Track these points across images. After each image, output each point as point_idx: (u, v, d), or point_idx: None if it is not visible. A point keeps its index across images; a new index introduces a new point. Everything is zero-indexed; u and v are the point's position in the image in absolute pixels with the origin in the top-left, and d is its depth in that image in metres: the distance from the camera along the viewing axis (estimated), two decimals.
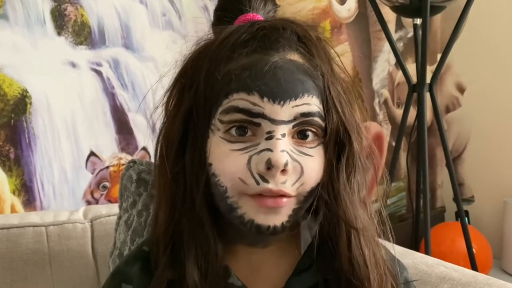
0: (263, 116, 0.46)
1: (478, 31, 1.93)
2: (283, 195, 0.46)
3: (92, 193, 1.32)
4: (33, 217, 0.93)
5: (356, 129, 0.51)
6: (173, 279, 0.49)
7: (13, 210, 1.20)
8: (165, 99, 0.52)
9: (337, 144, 0.50)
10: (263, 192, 0.46)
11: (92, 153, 1.31)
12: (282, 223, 0.47)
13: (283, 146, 0.46)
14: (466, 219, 2.00)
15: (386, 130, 1.98)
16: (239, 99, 0.47)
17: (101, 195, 1.33)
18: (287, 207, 0.47)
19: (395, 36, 1.95)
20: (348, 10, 1.82)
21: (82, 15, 1.28)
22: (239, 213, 0.47)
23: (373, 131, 1.92)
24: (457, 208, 1.51)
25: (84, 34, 1.29)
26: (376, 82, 1.93)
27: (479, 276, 0.82)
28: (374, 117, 1.95)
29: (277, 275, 0.53)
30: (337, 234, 0.50)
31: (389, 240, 0.55)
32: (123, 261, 0.55)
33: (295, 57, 0.49)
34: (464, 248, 1.51)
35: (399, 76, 1.95)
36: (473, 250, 1.52)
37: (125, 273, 0.53)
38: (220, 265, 0.50)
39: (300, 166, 0.47)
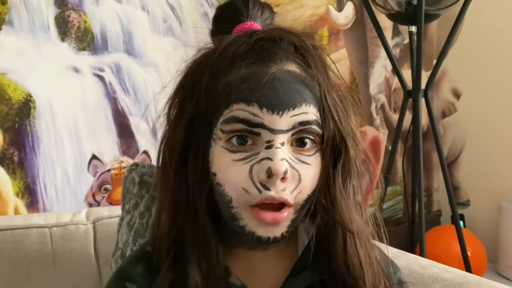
0: (262, 126, 0.48)
1: (473, 37, 1.96)
2: (283, 203, 0.48)
3: (93, 196, 1.34)
4: (37, 218, 0.94)
5: (352, 136, 0.53)
6: (175, 280, 0.51)
7: (16, 212, 1.22)
8: (166, 108, 0.53)
9: (333, 150, 0.51)
10: (265, 200, 0.47)
11: (94, 156, 1.33)
12: (282, 233, 0.49)
13: (283, 155, 0.47)
14: (462, 222, 2.02)
15: (383, 135, 2.00)
16: (239, 110, 0.48)
17: (103, 197, 1.35)
18: (286, 219, 0.49)
19: (391, 42, 1.97)
20: (345, 17, 1.84)
21: (85, 22, 1.31)
22: (241, 224, 0.49)
23: (370, 135, 1.95)
24: (452, 212, 1.53)
25: (87, 40, 1.31)
26: (373, 88, 1.96)
27: (471, 276, 0.84)
28: (371, 122, 1.97)
29: (276, 275, 0.54)
30: (333, 237, 0.51)
31: (383, 242, 0.57)
32: (127, 261, 0.57)
33: (292, 67, 0.51)
34: (459, 251, 1.53)
35: (395, 81, 1.97)
36: (468, 253, 1.54)
37: (129, 273, 0.54)
38: (221, 268, 0.51)
39: (298, 174, 0.48)
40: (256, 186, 0.47)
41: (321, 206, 0.51)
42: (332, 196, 0.51)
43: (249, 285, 0.53)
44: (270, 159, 0.47)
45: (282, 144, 0.48)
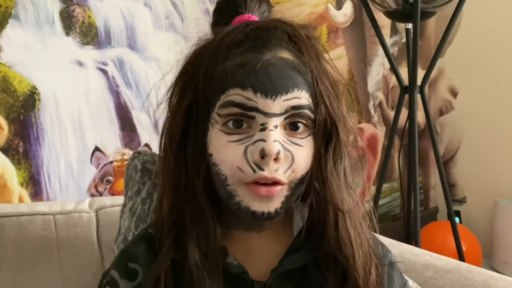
0: (256, 109, 0.50)
1: (470, 37, 1.99)
2: (276, 182, 0.51)
3: (96, 187, 1.36)
4: (42, 206, 0.97)
5: (343, 120, 0.55)
6: (176, 259, 0.53)
7: (21, 201, 1.25)
8: (168, 95, 0.56)
9: (325, 134, 0.54)
10: (259, 180, 0.50)
11: (96, 148, 1.36)
12: (276, 209, 0.52)
13: (276, 137, 0.50)
14: (458, 219, 2.05)
15: (380, 132, 2.03)
16: (235, 95, 0.51)
17: (105, 188, 1.38)
18: (280, 194, 0.51)
19: (390, 40, 2.01)
20: (344, 15, 1.87)
21: (89, 17, 1.34)
22: (236, 200, 0.51)
23: (368, 132, 1.98)
24: (447, 208, 1.56)
25: (91, 35, 1.34)
26: (371, 85, 1.99)
27: (461, 264, 0.87)
28: (369, 119, 2.00)
29: (271, 256, 0.57)
30: (325, 216, 0.54)
31: (375, 231, 0.59)
32: (130, 242, 0.60)
33: (285, 55, 0.53)
34: (455, 246, 1.56)
35: (393, 79, 2.00)
36: (463, 248, 1.57)
37: (132, 253, 0.57)
38: (219, 247, 0.54)
39: (291, 155, 0.51)
40: (250, 166, 0.50)
41: (314, 187, 0.54)
42: (323, 177, 0.53)
43: (246, 265, 0.55)
44: (263, 140, 0.49)
45: (276, 127, 0.50)
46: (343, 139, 0.55)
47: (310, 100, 0.52)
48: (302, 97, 0.52)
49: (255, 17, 0.58)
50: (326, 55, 0.57)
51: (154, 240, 0.56)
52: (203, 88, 0.53)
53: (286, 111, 0.51)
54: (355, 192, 0.57)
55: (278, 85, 0.51)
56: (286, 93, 0.51)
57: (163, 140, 0.56)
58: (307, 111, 0.52)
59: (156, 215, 0.58)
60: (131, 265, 0.56)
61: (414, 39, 1.35)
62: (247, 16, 0.57)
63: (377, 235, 0.60)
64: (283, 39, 0.54)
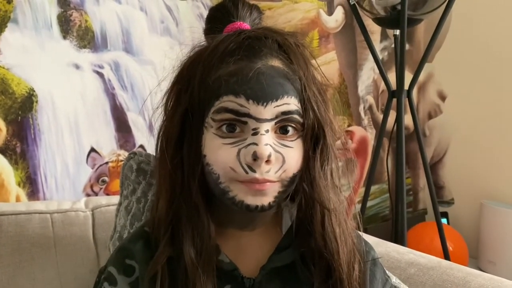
0: (249, 115, 0.53)
1: (459, 42, 2.04)
2: (268, 181, 0.53)
3: (91, 187, 1.38)
4: (39, 205, 1.00)
5: (330, 124, 0.58)
6: (171, 256, 0.56)
7: (18, 200, 1.26)
8: (164, 100, 0.59)
9: (313, 137, 0.57)
10: (251, 181, 0.53)
11: (92, 149, 1.38)
12: (269, 203, 0.54)
13: (267, 141, 0.53)
14: (446, 220, 2.09)
15: (370, 135, 2.06)
16: (228, 101, 0.53)
17: (100, 189, 1.40)
18: (273, 189, 0.54)
19: (380, 46, 2.05)
20: (335, 20, 1.91)
21: (86, 21, 1.36)
22: (231, 195, 0.54)
23: (358, 135, 2.01)
24: (433, 209, 1.59)
25: (87, 38, 1.36)
26: (362, 89, 2.02)
27: (443, 262, 0.91)
28: (359, 122, 2.04)
29: (261, 253, 0.60)
30: (312, 214, 0.57)
31: (360, 230, 0.63)
32: (127, 239, 0.62)
33: (276, 63, 0.55)
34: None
35: (383, 83, 2.03)
36: (450, 248, 1.61)
37: (129, 249, 0.59)
38: (213, 244, 0.56)
39: (282, 156, 0.54)
40: (242, 167, 0.53)
41: (302, 187, 0.57)
42: (311, 177, 0.56)
43: (236, 262, 0.58)
44: (255, 144, 0.52)
45: (267, 131, 0.53)
46: (330, 142, 0.58)
47: (299, 105, 0.55)
48: (291, 103, 0.54)
49: (246, 25, 0.60)
50: (314, 62, 0.59)
51: (150, 238, 0.58)
52: (198, 94, 0.55)
53: (276, 117, 0.54)
54: (341, 192, 0.60)
55: (269, 92, 0.53)
56: (276, 100, 0.54)
57: (159, 143, 0.59)
58: (296, 116, 0.55)
59: (153, 214, 0.60)
60: (128, 262, 0.58)
61: (401, 45, 1.39)
62: (238, 24, 0.60)
63: (363, 234, 0.64)
64: (273, 48, 0.56)
